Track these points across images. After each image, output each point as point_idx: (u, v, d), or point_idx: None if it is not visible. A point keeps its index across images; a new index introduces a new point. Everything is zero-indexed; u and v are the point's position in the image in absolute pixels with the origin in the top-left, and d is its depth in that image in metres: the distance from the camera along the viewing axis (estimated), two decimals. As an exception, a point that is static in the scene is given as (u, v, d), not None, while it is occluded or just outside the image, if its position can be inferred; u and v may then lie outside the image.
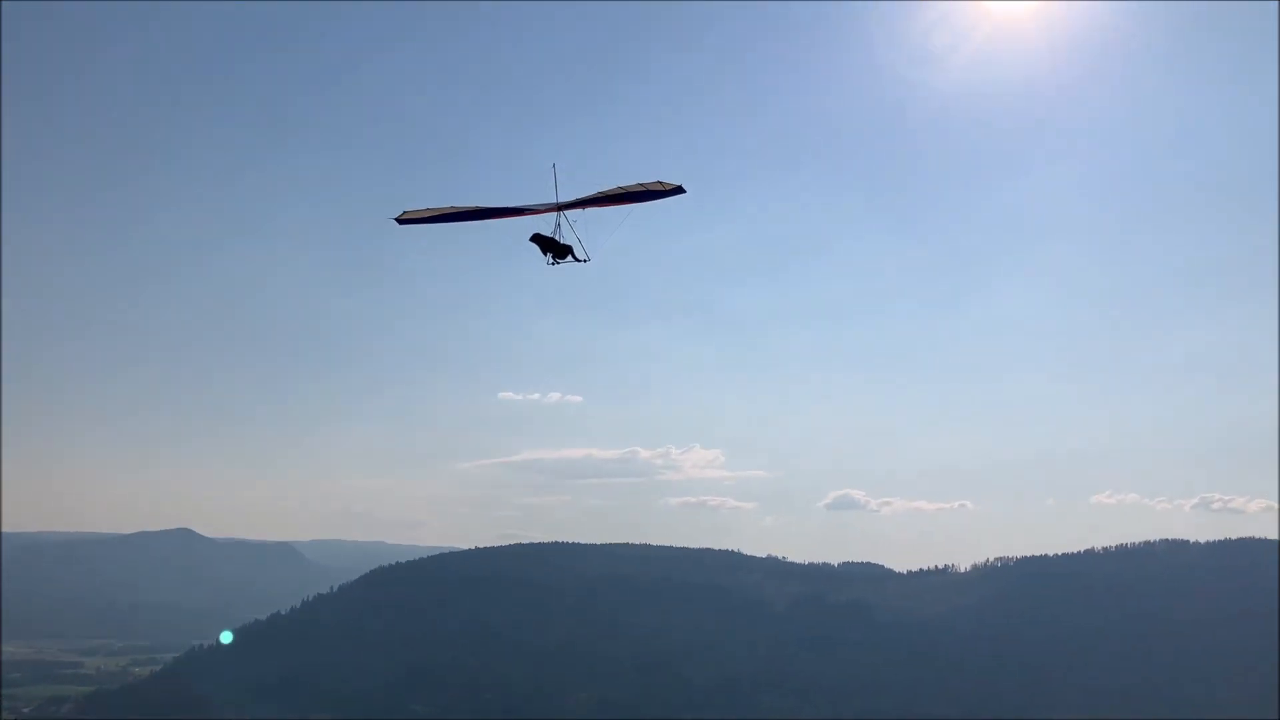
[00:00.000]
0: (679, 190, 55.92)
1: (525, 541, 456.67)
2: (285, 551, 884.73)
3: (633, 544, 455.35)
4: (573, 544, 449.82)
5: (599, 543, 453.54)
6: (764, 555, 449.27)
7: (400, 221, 59.32)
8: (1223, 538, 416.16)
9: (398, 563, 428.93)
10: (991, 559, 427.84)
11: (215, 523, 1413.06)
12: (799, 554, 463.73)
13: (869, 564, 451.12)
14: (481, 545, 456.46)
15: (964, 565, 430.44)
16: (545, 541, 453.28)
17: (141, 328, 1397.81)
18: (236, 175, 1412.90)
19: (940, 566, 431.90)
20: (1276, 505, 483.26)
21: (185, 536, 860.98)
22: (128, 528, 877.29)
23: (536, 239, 59.39)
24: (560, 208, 58.10)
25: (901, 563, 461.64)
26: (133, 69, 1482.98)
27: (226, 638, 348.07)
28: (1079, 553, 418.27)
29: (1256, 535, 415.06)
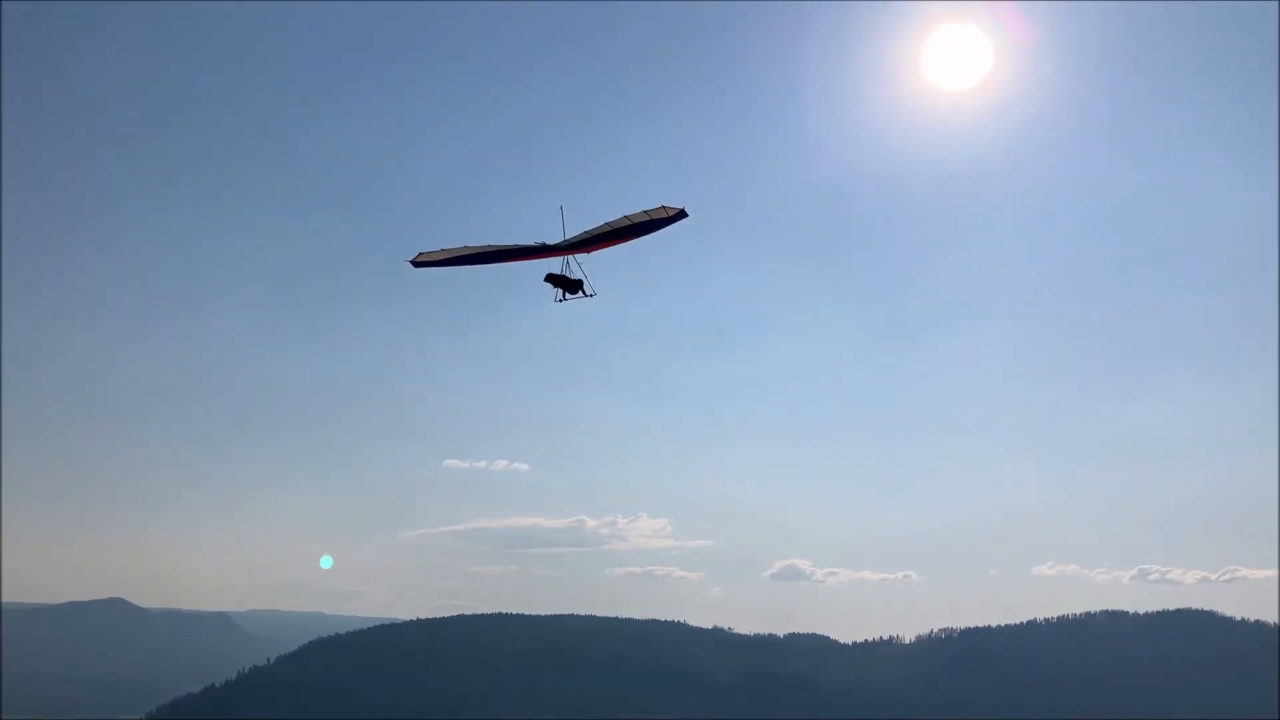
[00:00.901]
0: (682, 215, 57.80)
1: (469, 612, 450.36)
2: (221, 622, 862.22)
3: (578, 614, 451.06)
4: (517, 615, 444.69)
5: (544, 614, 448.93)
6: (710, 626, 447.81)
7: (415, 264, 61.08)
8: (1160, 608, 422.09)
9: (337, 634, 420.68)
10: (936, 630, 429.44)
11: (148, 592, 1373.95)
12: (745, 624, 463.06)
13: (814, 635, 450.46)
14: (424, 616, 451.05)
15: (908, 636, 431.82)
16: (489, 613, 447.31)
17: (74, 390, 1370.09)
18: (180, 239, 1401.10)
19: (885, 638, 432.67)
20: (1212, 576, 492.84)
21: (117, 606, 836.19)
22: (57, 597, 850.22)
23: (550, 279, 62.23)
24: (569, 250, 60.46)
25: (847, 633, 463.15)
26: (74, 122, 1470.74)
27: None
28: (1022, 624, 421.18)
29: (1192, 606, 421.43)
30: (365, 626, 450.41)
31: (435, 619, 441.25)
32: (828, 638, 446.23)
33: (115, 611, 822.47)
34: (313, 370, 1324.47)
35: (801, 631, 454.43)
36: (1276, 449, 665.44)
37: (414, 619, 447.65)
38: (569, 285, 62.28)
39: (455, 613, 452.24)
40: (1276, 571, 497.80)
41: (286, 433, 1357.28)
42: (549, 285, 62.40)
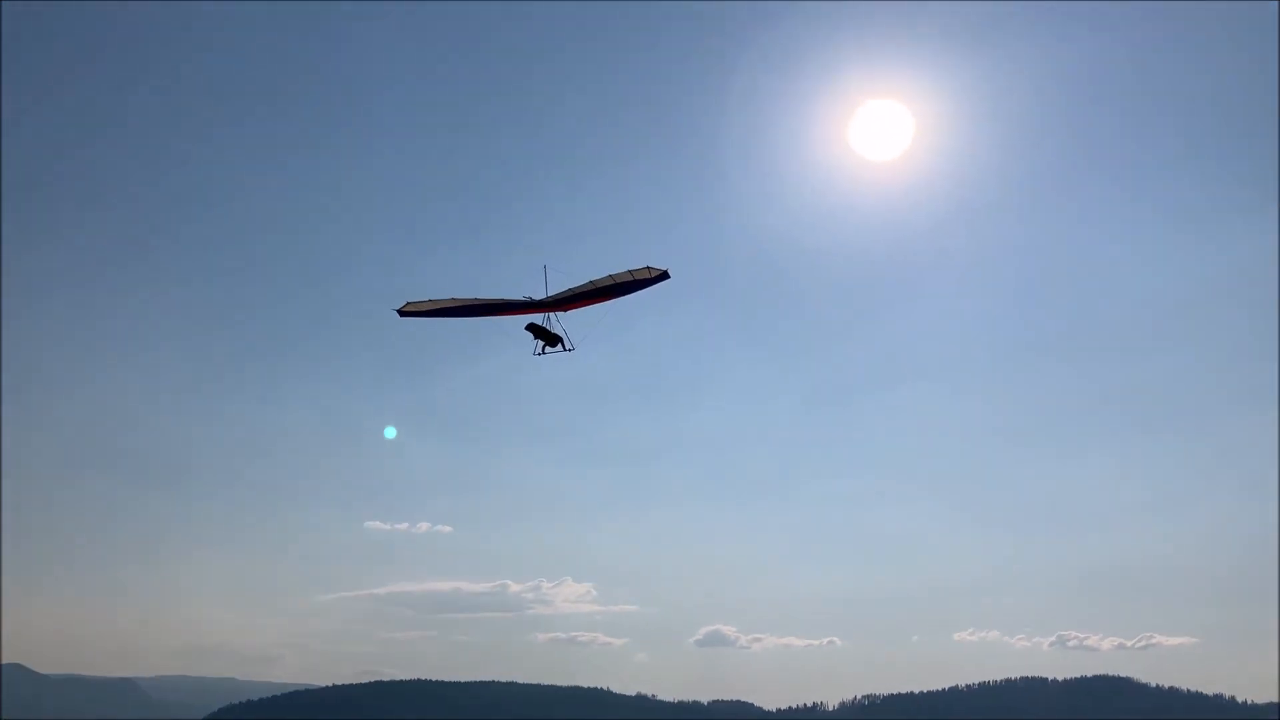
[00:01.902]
0: (664, 276, 59.24)
1: (387, 679, 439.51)
2: (126, 688, 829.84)
3: (500, 681, 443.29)
4: (437, 682, 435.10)
5: (465, 680, 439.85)
6: (633, 694, 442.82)
7: (402, 313, 61.73)
8: (1078, 675, 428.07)
9: (249, 700, 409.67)
10: (859, 696, 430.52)
11: (49, 657, 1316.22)
12: (669, 692, 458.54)
13: (739, 702, 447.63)
14: (340, 683, 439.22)
15: (832, 703, 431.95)
16: (408, 679, 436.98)
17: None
18: (91, 291, 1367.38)
19: (809, 704, 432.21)
20: (1128, 643, 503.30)
21: (15, 673, 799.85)
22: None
23: (531, 328, 63.55)
24: (552, 307, 62.22)
25: (771, 700, 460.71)
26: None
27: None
28: (944, 690, 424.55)
29: (1109, 673, 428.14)
30: (280, 693, 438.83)
31: (353, 685, 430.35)
32: (752, 705, 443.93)
33: (12, 678, 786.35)
34: (228, 428, 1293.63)
35: (726, 699, 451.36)
36: (1192, 517, 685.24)
37: (330, 685, 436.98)
38: (549, 339, 63.69)
39: (373, 679, 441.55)
40: (1190, 639, 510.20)
41: (201, 492, 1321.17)
42: (529, 334, 63.73)
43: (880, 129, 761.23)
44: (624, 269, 59.73)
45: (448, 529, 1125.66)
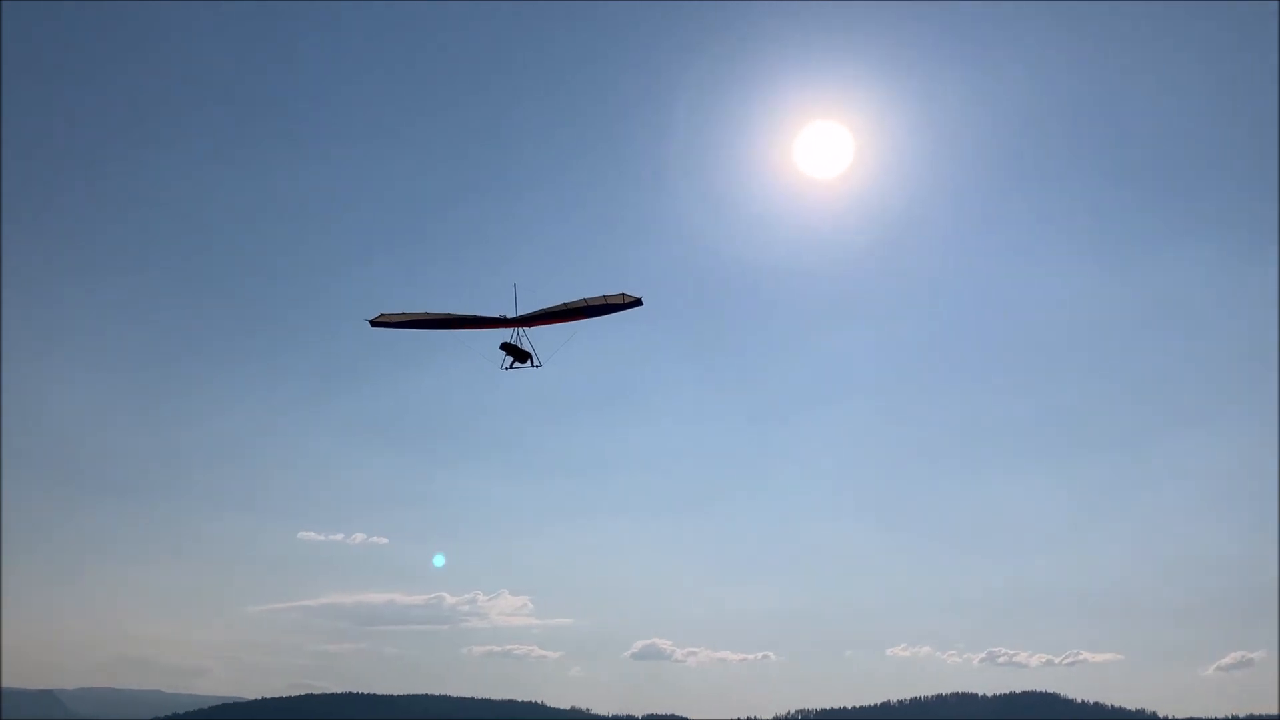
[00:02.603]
0: (637, 303, 61.54)
1: (318, 692, 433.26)
2: (46, 701, 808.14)
3: (433, 695, 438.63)
4: (369, 695, 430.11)
5: (397, 693, 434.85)
6: (568, 707, 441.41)
7: (374, 324, 64.16)
8: (1007, 690, 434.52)
9: (175, 713, 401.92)
10: (793, 711, 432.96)
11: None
12: (603, 705, 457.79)
13: (673, 716, 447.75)
14: (269, 695, 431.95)
15: (765, 717, 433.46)
16: (339, 692, 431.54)
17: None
18: (12, 295, 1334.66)
19: (743, 719, 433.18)
20: (1056, 659, 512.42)
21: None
22: None
23: (504, 347, 66.06)
24: (522, 323, 64.64)
25: (705, 714, 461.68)
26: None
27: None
28: (876, 705, 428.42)
29: (1037, 688, 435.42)
30: (207, 706, 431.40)
31: (282, 698, 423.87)
32: (686, 718, 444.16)
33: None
34: (157, 435, 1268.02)
35: (660, 712, 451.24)
36: (1119, 538, 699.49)
37: (259, 698, 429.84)
38: (519, 355, 65.74)
39: (303, 692, 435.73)
40: (1116, 655, 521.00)
41: (129, 500, 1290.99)
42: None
43: (822, 148, 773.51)
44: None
45: (384, 540, 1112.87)
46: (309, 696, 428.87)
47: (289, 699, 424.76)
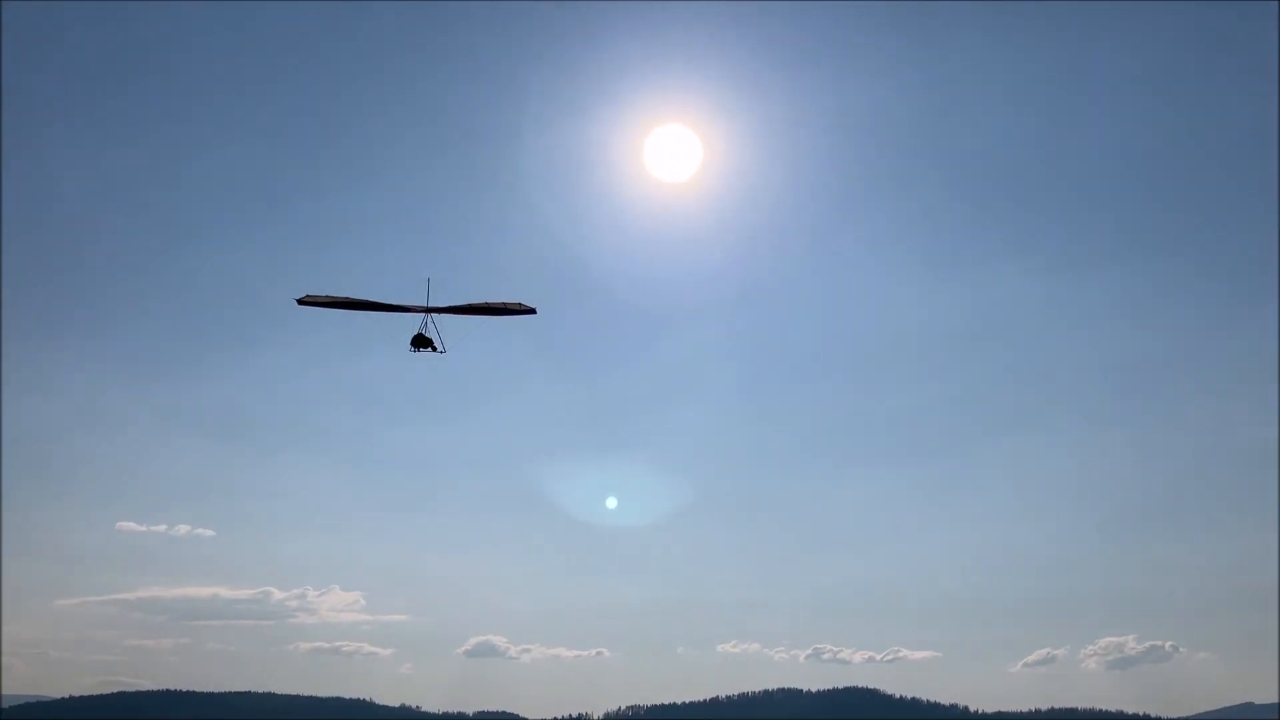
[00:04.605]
0: (530, 311, 71.71)
1: (130, 689, 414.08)
2: None
3: (255, 692, 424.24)
4: (186, 692, 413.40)
5: (216, 691, 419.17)
6: (397, 704, 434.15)
7: (301, 303, 71.19)
8: (831, 686, 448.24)
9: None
10: (624, 706, 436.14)
11: None
12: (434, 703, 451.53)
13: (504, 713, 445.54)
14: (78, 694, 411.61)
15: (598, 713, 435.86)
16: (154, 689, 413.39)
17: None
18: None
19: (575, 715, 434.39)
20: (878, 656, 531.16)
21: None
22: None
23: (416, 338, 75.47)
24: (429, 311, 73.89)
25: (537, 710, 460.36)
26: None
27: None
28: (706, 700, 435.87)
29: (859, 685, 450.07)
30: (7, 706, 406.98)
31: (90, 696, 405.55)
32: (517, 715, 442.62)
33: None
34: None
35: (491, 710, 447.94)
36: (937, 540, 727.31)
37: (65, 696, 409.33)
38: (422, 341, 75.06)
39: (114, 690, 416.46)
40: (933, 653, 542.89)
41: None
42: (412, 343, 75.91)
43: (672, 151, 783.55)
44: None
45: (210, 532, 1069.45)
46: (121, 694, 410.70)
47: (99, 697, 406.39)
